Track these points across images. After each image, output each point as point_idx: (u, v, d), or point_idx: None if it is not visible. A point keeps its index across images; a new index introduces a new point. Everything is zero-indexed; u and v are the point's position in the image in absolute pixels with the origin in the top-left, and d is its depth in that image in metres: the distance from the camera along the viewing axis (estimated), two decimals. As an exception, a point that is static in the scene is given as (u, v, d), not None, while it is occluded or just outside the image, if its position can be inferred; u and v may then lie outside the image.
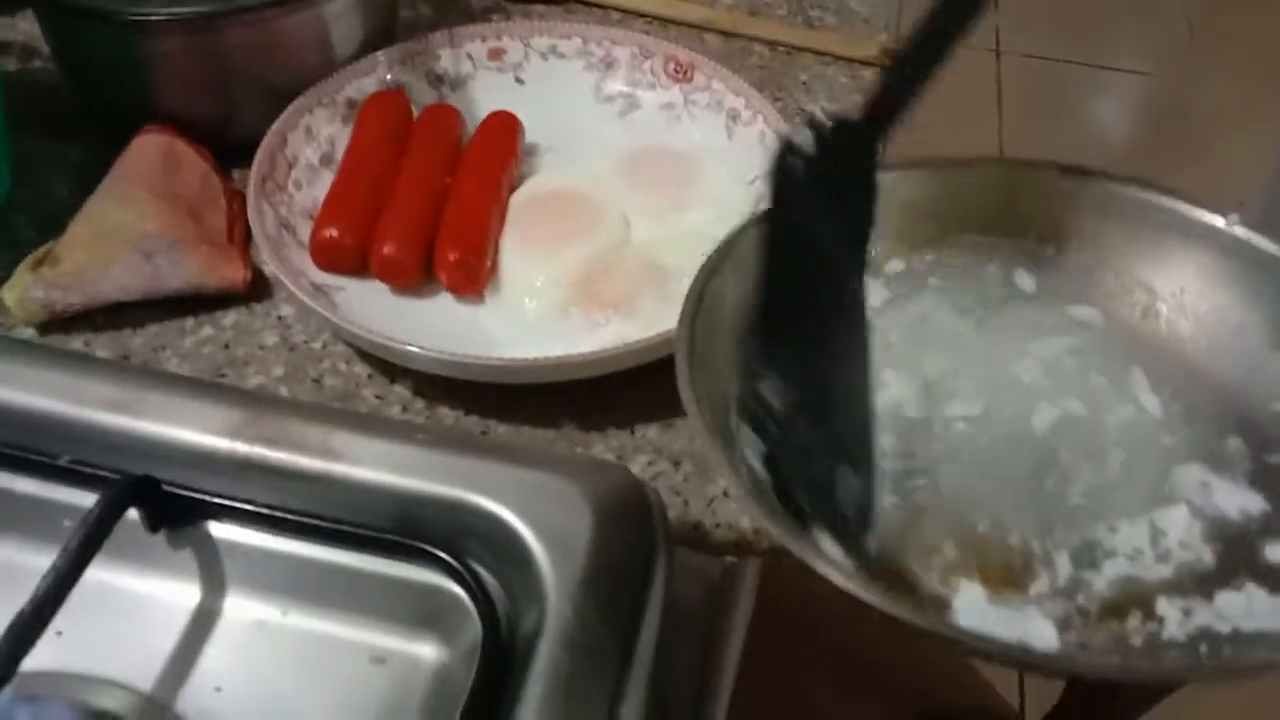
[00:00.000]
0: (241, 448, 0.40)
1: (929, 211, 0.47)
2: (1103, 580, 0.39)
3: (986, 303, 0.47)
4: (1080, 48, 2.43)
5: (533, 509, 0.38)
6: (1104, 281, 0.47)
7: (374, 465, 0.39)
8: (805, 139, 0.40)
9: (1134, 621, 0.38)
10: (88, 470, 0.40)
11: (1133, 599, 0.39)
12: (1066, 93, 2.35)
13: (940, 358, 0.45)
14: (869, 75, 0.72)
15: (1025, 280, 0.48)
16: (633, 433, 0.51)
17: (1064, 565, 0.39)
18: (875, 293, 0.47)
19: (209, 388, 0.43)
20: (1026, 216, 0.48)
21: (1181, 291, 0.46)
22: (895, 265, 0.47)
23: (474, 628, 0.38)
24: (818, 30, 0.76)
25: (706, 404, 0.39)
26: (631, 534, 0.39)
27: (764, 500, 0.38)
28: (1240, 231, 0.45)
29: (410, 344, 0.49)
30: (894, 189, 0.46)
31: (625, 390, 0.52)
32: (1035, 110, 2.27)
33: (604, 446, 0.50)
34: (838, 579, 0.34)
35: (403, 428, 0.43)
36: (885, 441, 0.42)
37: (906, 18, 0.79)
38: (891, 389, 0.44)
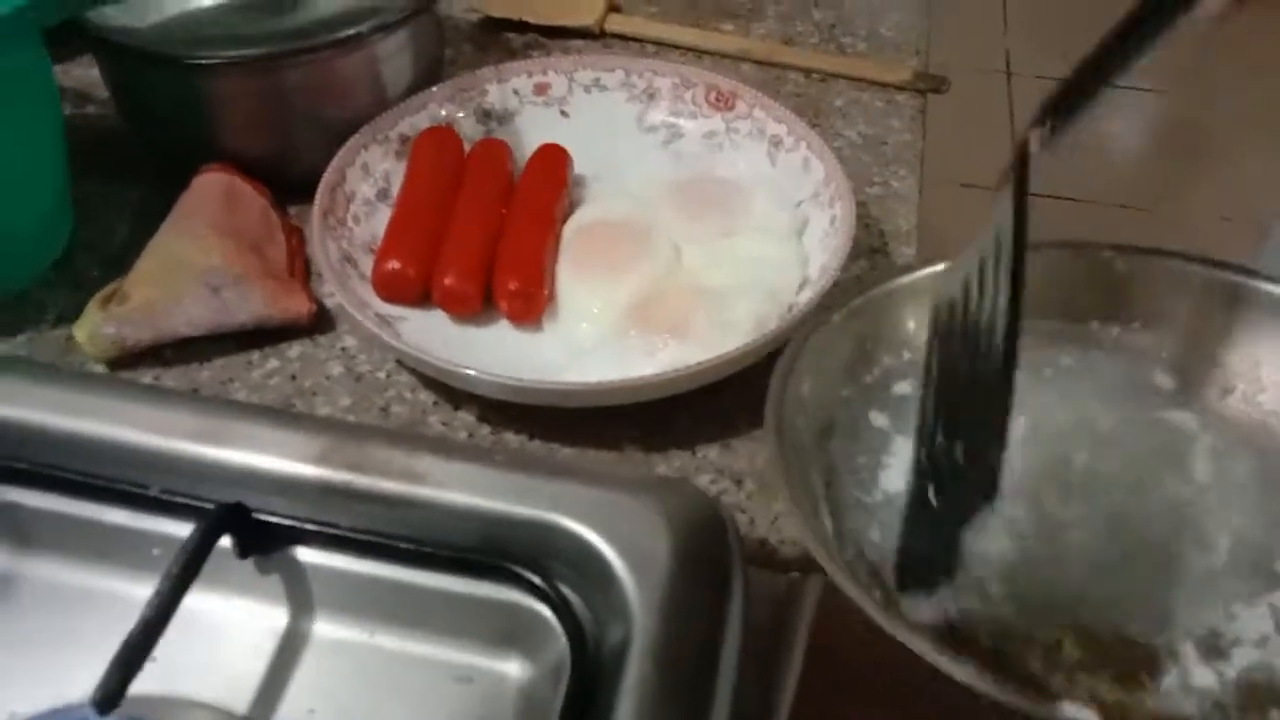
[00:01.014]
0: (327, 474, 0.41)
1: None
2: (1234, 670, 0.39)
3: (1066, 393, 0.46)
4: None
5: (613, 528, 0.40)
6: (1177, 362, 0.47)
7: (457, 487, 0.41)
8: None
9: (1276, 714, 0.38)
10: (179, 500, 0.41)
11: (1270, 687, 0.38)
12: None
13: (1036, 447, 0.44)
14: (903, 99, 0.74)
15: (1103, 366, 0.47)
16: (694, 453, 0.52)
17: (1190, 657, 0.39)
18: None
19: (290, 417, 0.45)
20: (1087, 299, 0.48)
21: (1258, 365, 0.46)
22: None
23: (558, 645, 0.39)
24: (850, 57, 0.77)
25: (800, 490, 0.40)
26: (708, 550, 0.41)
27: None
28: None
29: (473, 369, 0.50)
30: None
31: (683, 412, 0.53)
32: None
33: (666, 467, 0.51)
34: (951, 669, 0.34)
35: (483, 451, 0.44)
36: (998, 544, 0.42)
37: (935, 42, 0.81)
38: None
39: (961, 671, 0.34)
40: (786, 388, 0.44)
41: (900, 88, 0.75)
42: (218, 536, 0.39)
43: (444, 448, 0.43)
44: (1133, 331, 0.48)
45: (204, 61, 0.58)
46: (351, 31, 0.59)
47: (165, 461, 0.42)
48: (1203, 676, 0.38)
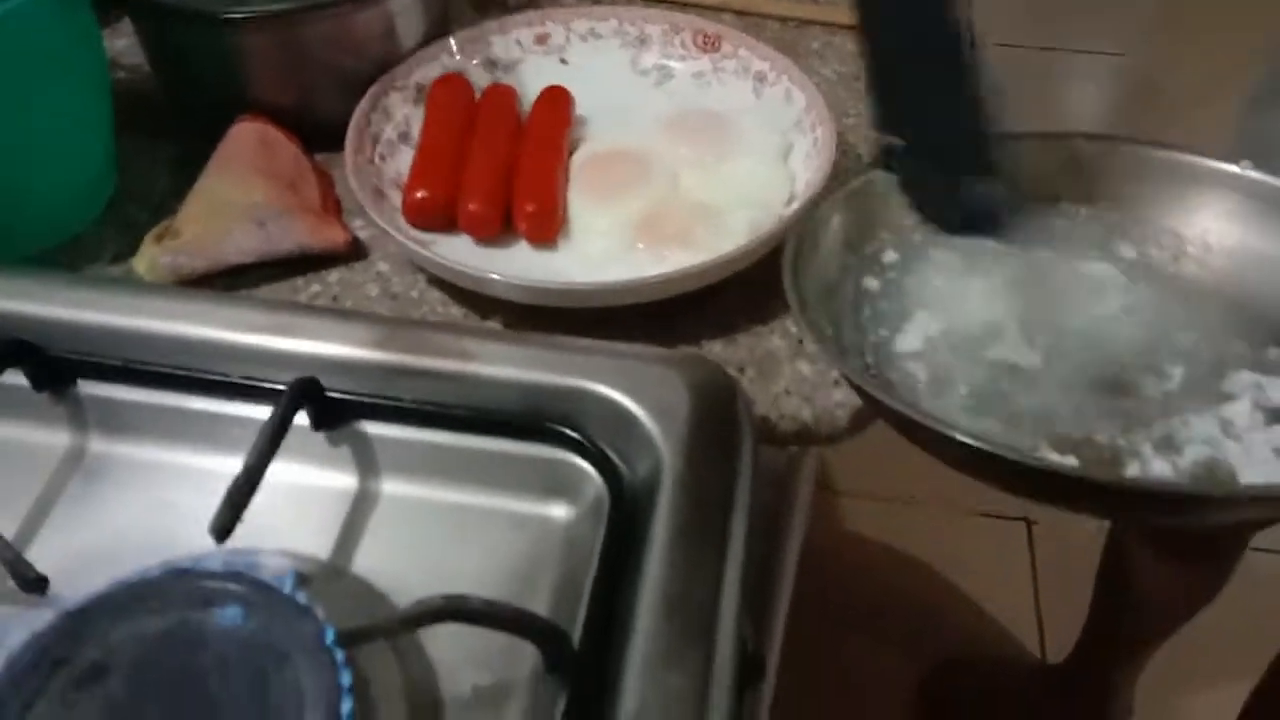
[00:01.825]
0: (388, 356, 0.47)
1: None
2: (1187, 461, 0.46)
3: (1037, 253, 0.55)
4: (1052, 32, 2.52)
5: (640, 390, 0.46)
6: (1135, 233, 0.55)
7: (502, 363, 0.47)
8: None
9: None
10: (257, 384, 0.47)
11: (1214, 472, 0.45)
12: (1041, 78, 2.43)
13: (1005, 300, 0.53)
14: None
15: (1065, 233, 0.55)
16: (700, 347, 0.58)
17: (1149, 454, 0.46)
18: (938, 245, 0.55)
19: (347, 311, 0.51)
20: (1058, 182, 0.56)
21: (1205, 233, 0.55)
22: None
23: (596, 491, 0.45)
24: (823, 5, 0.84)
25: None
26: (722, 407, 0.47)
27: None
28: (1253, 174, 0.53)
29: (498, 274, 0.56)
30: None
31: (690, 311, 0.59)
32: (1012, 96, 2.35)
33: (676, 360, 0.58)
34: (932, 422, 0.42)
35: (520, 335, 0.50)
36: (974, 373, 0.50)
37: None
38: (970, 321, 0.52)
39: (966, 435, 0.42)
40: (800, 254, 0.50)
41: (869, 31, 0.81)
42: (297, 408, 0.45)
43: (488, 332, 0.49)
44: (1098, 209, 0.56)
45: (233, 17, 0.64)
46: (367, -13, 0.65)
47: (240, 353, 0.48)
48: (1160, 467, 0.45)
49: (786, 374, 0.57)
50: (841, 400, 0.55)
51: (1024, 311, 0.52)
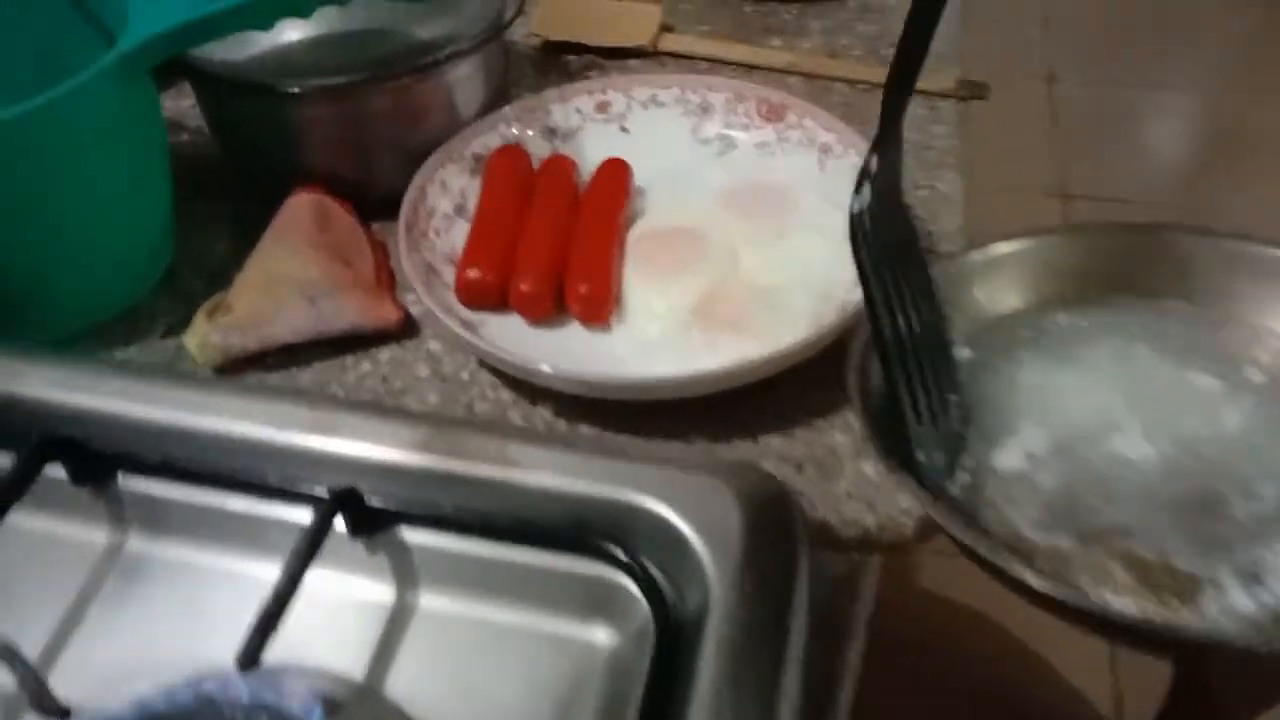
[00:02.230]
0: (429, 460, 0.45)
1: (1069, 273, 0.53)
2: (1271, 595, 0.42)
3: (1133, 351, 0.51)
4: (1134, 70, 2.45)
5: (689, 506, 0.43)
6: (1236, 336, 0.51)
7: (546, 470, 0.45)
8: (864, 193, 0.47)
9: None
10: (296, 489, 0.46)
11: None
12: (1122, 116, 2.37)
13: (1097, 398, 0.49)
14: (945, 106, 0.77)
15: (1167, 332, 0.52)
16: (756, 441, 0.56)
17: (1229, 583, 0.43)
18: (1023, 344, 0.52)
19: (391, 410, 0.49)
20: (1154, 275, 0.53)
21: None
22: (1059, 319, 0.53)
23: (641, 614, 0.43)
24: (894, 67, 0.81)
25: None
26: (776, 526, 0.44)
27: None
28: None
29: (548, 366, 0.54)
30: (1037, 253, 0.53)
31: (746, 403, 0.57)
32: (1092, 135, 2.30)
33: (730, 455, 0.55)
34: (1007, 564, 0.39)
35: (567, 438, 0.48)
36: (1052, 477, 0.46)
37: (972, 49, 0.84)
38: (1059, 426, 0.48)
39: (1025, 571, 0.39)
40: (867, 355, 0.48)
41: (942, 95, 0.78)
42: (334, 518, 0.44)
43: (532, 436, 0.47)
44: (1196, 306, 0.52)
45: (294, 90, 0.63)
46: (428, 60, 0.64)
47: (280, 452, 0.47)
48: (1239, 600, 0.42)
49: (848, 474, 0.54)
50: (907, 507, 0.52)
51: (1109, 417, 0.49)
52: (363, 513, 0.45)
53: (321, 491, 0.45)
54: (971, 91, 0.78)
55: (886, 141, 0.49)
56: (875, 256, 0.47)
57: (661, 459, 0.46)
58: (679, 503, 0.43)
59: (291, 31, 0.64)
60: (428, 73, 0.65)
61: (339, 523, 0.45)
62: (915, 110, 0.77)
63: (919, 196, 0.70)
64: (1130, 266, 0.53)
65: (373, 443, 0.46)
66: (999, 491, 0.47)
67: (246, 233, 0.66)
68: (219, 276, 0.65)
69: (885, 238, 0.48)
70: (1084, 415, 0.48)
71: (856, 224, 0.47)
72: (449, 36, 0.66)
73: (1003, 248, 0.54)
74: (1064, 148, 2.24)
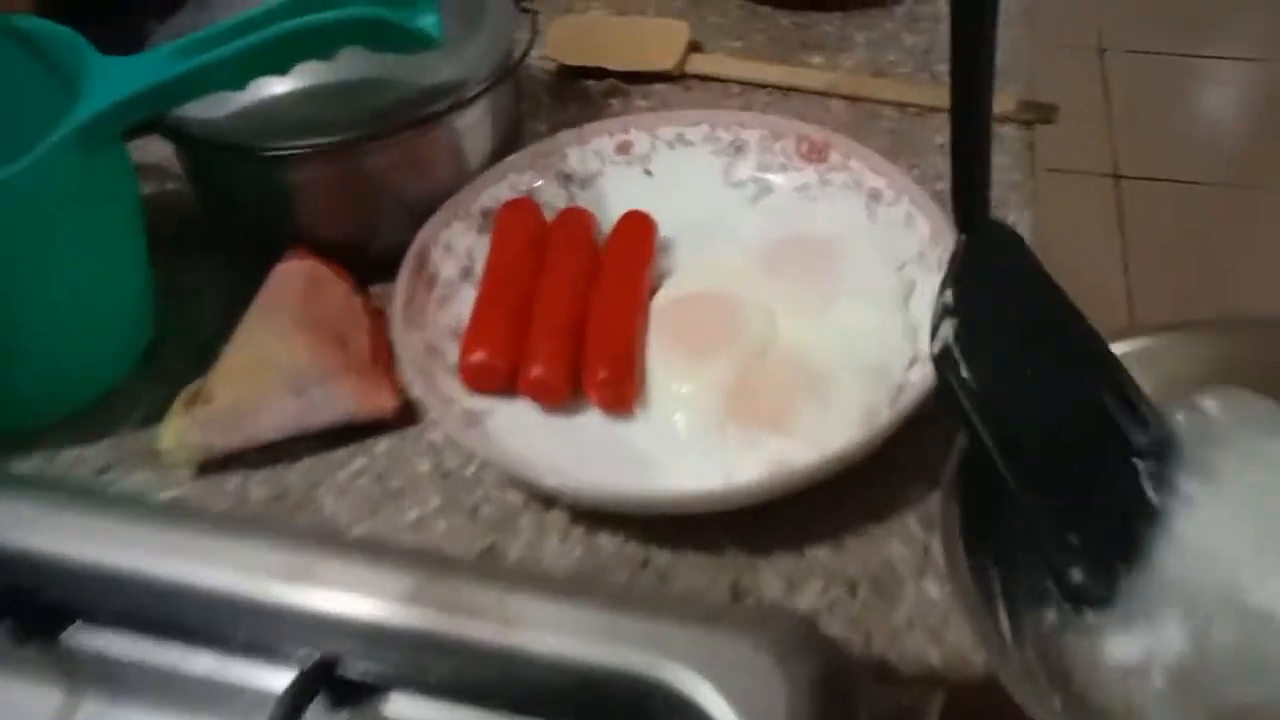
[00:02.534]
0: (418, 619, 0.39)
1: (1212, 371, 0.45)
2: None
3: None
4: (1186, 38, 2.33)
5: (722, 678, 0.37)
6: None
7: (552, 632, 0.38)
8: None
9: None
10: (270, 649, 0.40)
11: None
12: (1175, 86, 2.25)
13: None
14: (1008, 132, 0.69)
15: None
16: (801, 554, 0.49)
17: None
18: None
19: (377, 552, 0.43)
20: None
21: None
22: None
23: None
24: (947, 87, 0.73)
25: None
26: (829, 705, 0.37)
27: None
28: None
29: (564, 480, 0.48)
30: (1170, 349, 0.46)
31: (789, 508, 0.50)
32: (1145, 106, 2.18)
33: (772, 572, 0.48)
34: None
35: (578, 588, 0.42)
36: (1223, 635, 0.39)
37: (1039, 68, 0.75)
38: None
39: None
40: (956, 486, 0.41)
41: (1004, 119, 0.70)
42: (309, 700, 0.38)
43: (537, 585, 0.40)
44: None
45: (282, 152, 0.56)
46: (430, 110, 0.57)
47: (250, 606, 0.40)
48: None
49: (909, 596, 0.47)
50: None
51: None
52: (341, 687, 0.39)
53: (300, 653, 0.39)
54: (1037, 115, 0.70)
55: (965, 259, 0.41)
56: (979, 389, 0.40)
57: (687, 614, 0.39)
58: (711, 673, 0.37)
59: (277, 85, 0.58)
60: (430, 125, 0.58)
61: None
62: (974, 138, 0.69)
63: (981, 243, 0.62)
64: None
65: (357, 595, 0.39)
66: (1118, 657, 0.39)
67: (237, 298, 0.60)
68: (205, 351, 0.58)
69: (992, 352, 0.40)
70: (1209, 576, 0.40)
71: (943, 364, 0.40)
72: (453, 82, 0.58)
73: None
74: (1117, 122, 2.13)
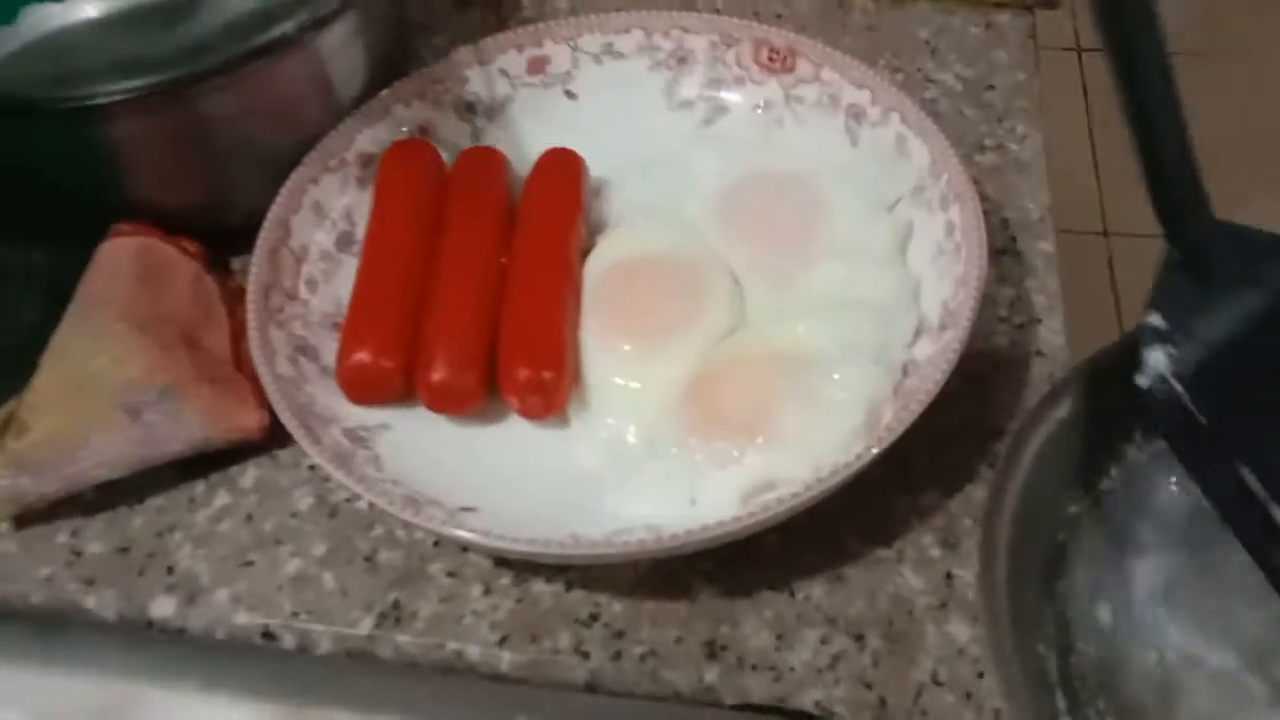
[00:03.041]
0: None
1: None
2: None
3: None
4: (1229, 38, 2.16)
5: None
6: None
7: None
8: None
9: None
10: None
11: None
12: (1218, 95, 2.09)
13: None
14: (1006, 20, 0.57)
15: None
16: (792, 594, 0.38)
17: None
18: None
19: (222, 663, 0.31)
20: None
21: None
22: None
23: None
24: (931, -34, 0.60)
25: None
26: None
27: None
28: None
29: (477, 522, 0.36)
30: None
31: (774, 534, 0.39)
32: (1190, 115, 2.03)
33: (757, 619, 0.38)
34: None
35: (497, 700, 0.31)
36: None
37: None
38: None
39: None
40: (998, 518, 0.30)
41: (1000, 4, 0.57)
42: None
43: (438, 696, 0.29)
44: None
45: (84, 102, 0.43)
46: (276, 34, 0.44)
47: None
48: None
49: (932, 644, 0.37)
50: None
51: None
52: None
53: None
54: (1041, -2, 0.57)
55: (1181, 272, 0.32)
56: (1214, 433, 0.31)
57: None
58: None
59: (65, 11, 0.44)
60: (277, 53, 0.44)
61: None
62: (966, 29, 0.57)
63: (984, 164, 0.51)
64: None
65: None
66: None
67: (62, 288, 0.47)
68: (20, 360, 0.46)
69: (1230, 385, 0.32)
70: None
71: (1156, 403, 0.31)
72: (304, -8, 0.45)
73: None
74: (1098, 123, 1.98)
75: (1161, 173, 0.31)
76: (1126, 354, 0.33)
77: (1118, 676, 0.33)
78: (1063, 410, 0.36)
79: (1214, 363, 0.31)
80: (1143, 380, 0.32)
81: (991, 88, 0.54)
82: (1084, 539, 0.36)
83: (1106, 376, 0.36)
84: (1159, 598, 0.35)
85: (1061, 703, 0.32)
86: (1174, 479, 0.36)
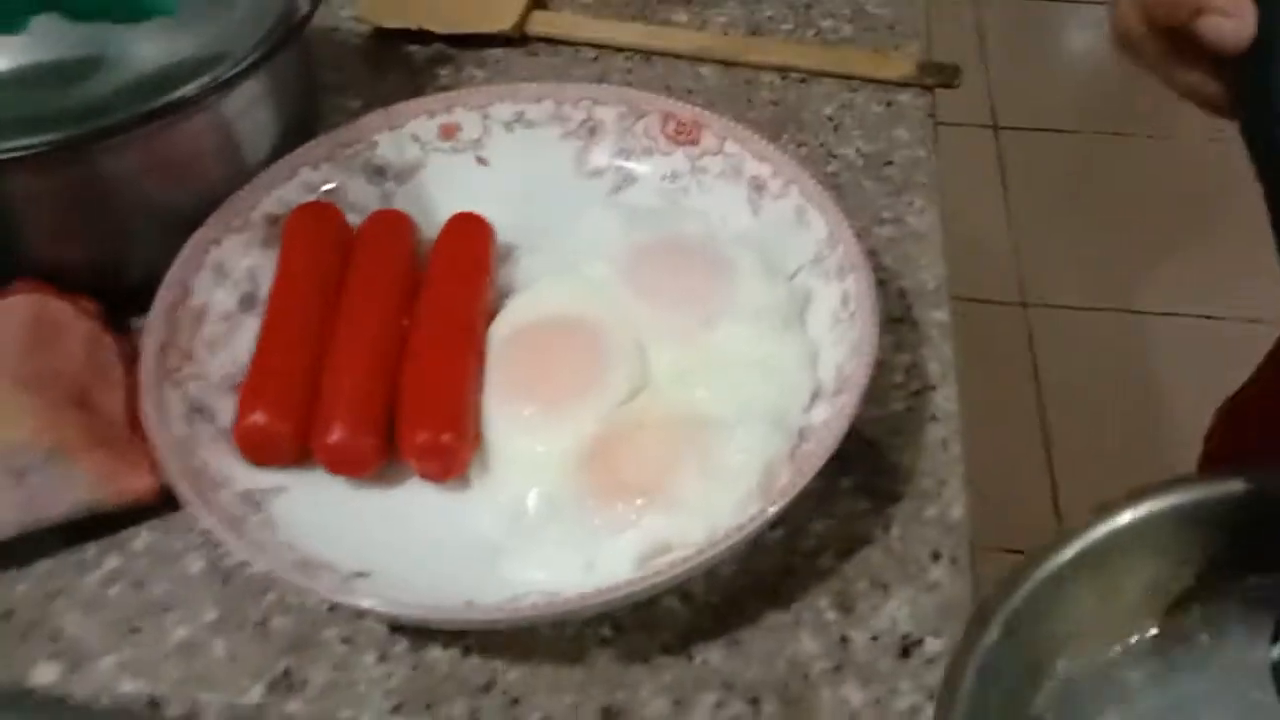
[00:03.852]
0: None
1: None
2: None
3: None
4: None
5: None
6: None
7: None
8: None
9: None
10: None
11: None
12: (1052, 32, 2.21)
13: None
14: (907, 99, 0.59)
15: None
16: (690, 658, 0.38)
17: None
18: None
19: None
20: None
21: None
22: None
23: None
24: (835, 48, 0.62)
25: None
26: None
27: None
28: None
29: (371, 589, 0.36)
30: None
31: (671, 596, 0.39)
32: (1022, 51, 2.13)
33: (654, 685, 0.38)
34: None
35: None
36: None
37: (938, 22, 0.66)
38: None
39: None
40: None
41: (902, 84, 0.60)
42: None
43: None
44: None
45: (-27, 158, 0.42)
46: (176, 95, 0.44)
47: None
48: None
49: (826, 707, 0.37)
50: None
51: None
52: None
53: None
54: (938, 78, 0.60)
55: None
56: None
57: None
58: None
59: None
60: (176, 114, 0.44)
61: None
62: (868, 106, 0.59)
63: (881, 236, 0.52)
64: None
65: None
66: None
67: (-50, 346, 0.46)
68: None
69: None
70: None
71: None
72: (205, 57, 0.45)
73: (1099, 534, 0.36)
74: (995, 72, 2.07)
75: None
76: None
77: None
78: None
79: None
80: (1275, 654, 0.31)
81: (891, 163, 0.56)
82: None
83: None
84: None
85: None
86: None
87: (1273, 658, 0.31)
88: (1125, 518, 0.35)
